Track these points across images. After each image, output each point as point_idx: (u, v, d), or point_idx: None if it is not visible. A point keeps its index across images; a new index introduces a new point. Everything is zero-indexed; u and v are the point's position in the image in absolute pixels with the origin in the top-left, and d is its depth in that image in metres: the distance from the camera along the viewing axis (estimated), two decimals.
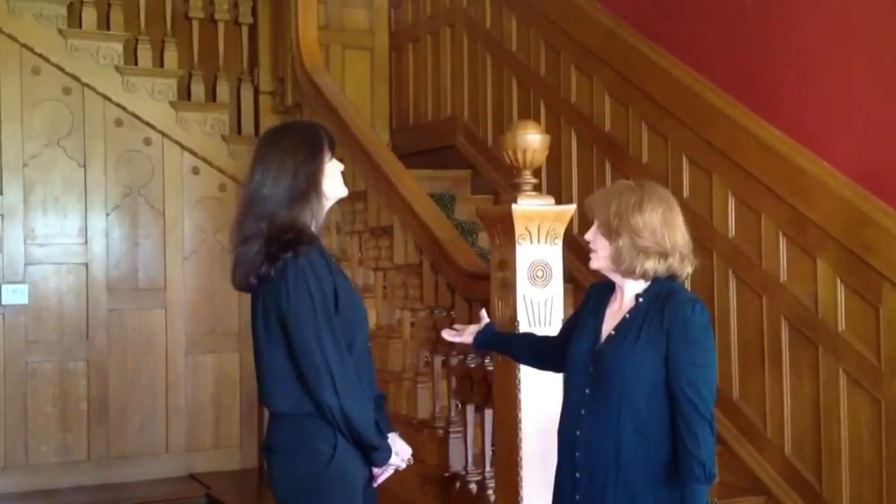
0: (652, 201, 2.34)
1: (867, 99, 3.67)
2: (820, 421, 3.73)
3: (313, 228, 2.42)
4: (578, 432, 2.36)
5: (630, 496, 2.28)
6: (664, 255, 2.33)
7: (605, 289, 2.47)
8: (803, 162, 3.81)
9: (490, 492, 3.47)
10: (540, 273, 3.22)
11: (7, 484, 4.82)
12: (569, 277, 4.17)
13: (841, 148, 3.74)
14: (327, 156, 2.46)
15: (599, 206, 2.39)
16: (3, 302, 4.87)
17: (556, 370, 2.74)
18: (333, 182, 2.49)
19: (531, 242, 3.20)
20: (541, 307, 3.20)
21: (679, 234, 2.35)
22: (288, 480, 2.41)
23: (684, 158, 4.34)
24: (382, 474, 2.53)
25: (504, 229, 3.24)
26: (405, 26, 6.41)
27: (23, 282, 4.92)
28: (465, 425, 3.68)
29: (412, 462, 2.63)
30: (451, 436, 3.75)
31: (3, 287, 4.87)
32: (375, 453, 2.44)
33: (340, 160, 2.57)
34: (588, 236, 2.42)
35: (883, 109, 3.62)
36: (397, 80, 6.43)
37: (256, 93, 5.60)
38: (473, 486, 3.59)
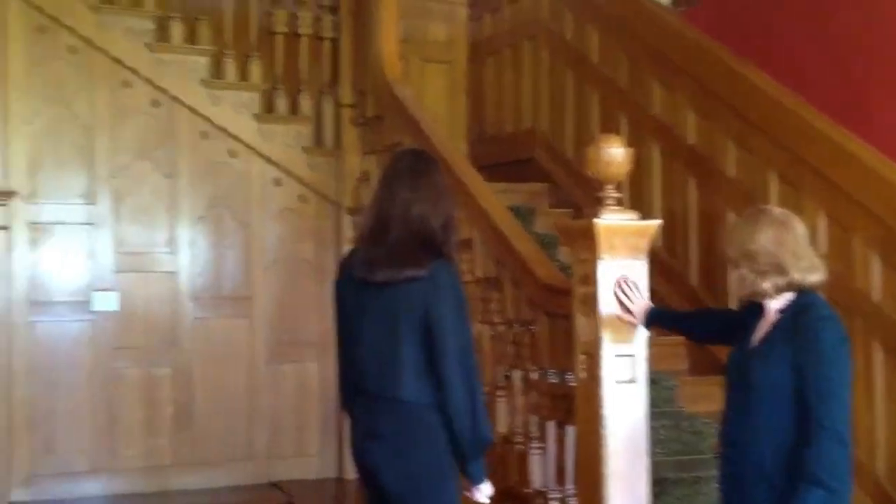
0: (762, 225, 2.58)
1: None
2: None
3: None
4: (729, 432, 2.62)
5: (766, 490, 2.49)
6: (782, 272, 2.54)
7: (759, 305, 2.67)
8: None
9: None
10: (624, 288, 3.18)
11: (94, 487, 4.94)
12: (650, 291, 4.11)
13: None
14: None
15: (727, 240, 2.71)
16: (94, 308, 5.00)
17: (729, 342, 2.88)
18: None
19: (614, 257, 3.17)
20: (624, 323, 3.16)
21: (793, 251, 2.55)
22: (403, 466, 2.65)
23: (772, 173, 4.26)
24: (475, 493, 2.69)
25: (587, 244, 3.21)
26: (484, 39, 6.42)
27: (112, 289, 5.04)
28: (545, 441, 3.65)
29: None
30: (532, 452, 3.72)
31: (94, 294, 5.01)
32: (478, 463, 2.65)
33: None
34: (729, 266, 2.72)
35: None
36: (476, 93, 6.44)
37: (337, 106, 5.65)
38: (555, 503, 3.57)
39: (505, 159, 6.03)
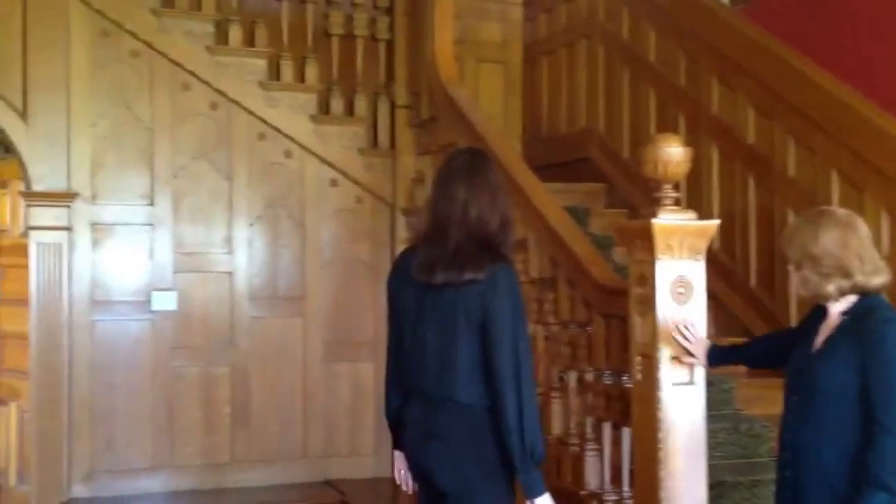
0: (827, 227, 2.57)
1: None
2: None
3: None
4: (788, 435, 2.62)
5: (827, 495, 2.49)
6: (846, 275, 2.54)
7: (823, 307, 2.67)
8: None
9: None
10: (681, 289, 3.13)
11: (154, 484, 5.02)
12: (708, 293, 4.06)
13: None
14: None
15: (786, 242, 2.68)
16: (154, 308, 5.08)
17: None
18: None
19: (672, 258, 3.13)
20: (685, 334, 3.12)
21: (858, 253, 2.55)
22: (459, 468, 2.64)
23: (834, 173, 4.18)
24: None
25: (644, 244, 3.17)
26: (539, 39, 6.40)
27: (171, 289, 5.12)
28: (601, 443, 3.63)
29: None
30: (587, 453, 3.69)
31: (154, 293, 5.09)
32: (533, 475, 2.58)
33: None
34: (789, 267, 2.69)
35: None
36: (531, 93, 6.42)
37: (392, 107, 5.67)
38: None
39: (560, 159, 6.00)
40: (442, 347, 2.68)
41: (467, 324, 2.64)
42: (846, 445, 2.47)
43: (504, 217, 2.75)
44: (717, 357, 3.06)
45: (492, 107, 6.17)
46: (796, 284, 2.66)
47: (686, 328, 3.05)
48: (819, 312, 2.68)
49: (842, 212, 2.64)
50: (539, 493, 2.62)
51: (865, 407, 2.45)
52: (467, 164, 2.81)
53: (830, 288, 2.54)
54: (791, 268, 2.66)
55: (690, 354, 3.05)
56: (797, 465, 2.57)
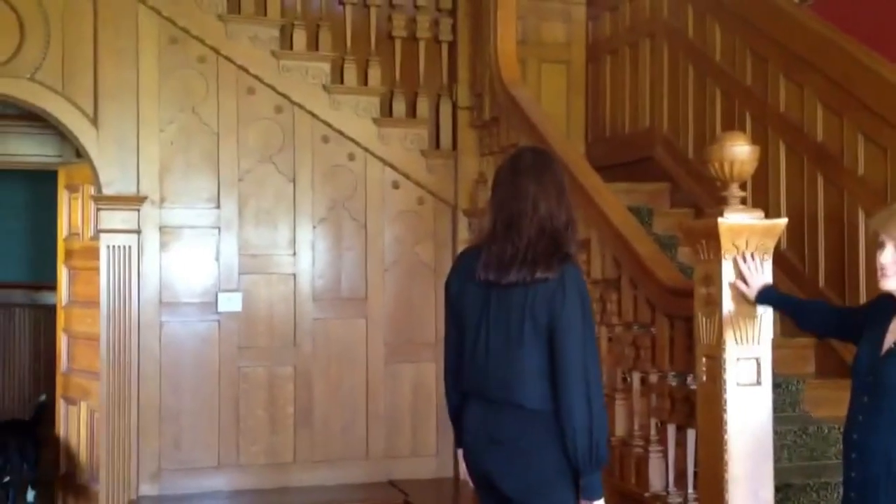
0: None
1: None
2: None
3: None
4: (855, 436, 2.55)
5: None
6: None
7: (891, 303, 2.58)
8: None
9: None
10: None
11: (219, 482, 5.09)
12: None
13: None
14: None
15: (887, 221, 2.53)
16: (220, 309, 5.16)
17: (843, 338, 2.87)
18: None
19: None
20: (748, 324, 3.07)
21: None
22: (523, 473, 2.61)
23: None
24: None
25: (710, 244, 3.14)
26: (603, 38, 6.35)
27: (237, 290, 5.19)
28: (665, 445, 3.58)
29: None
30: (651, 455, 3.66)
31: (220, 295, 5.16)
32: (594, 477, 2.55)
33: None
34: (886, 259, 2.52)
35: None
36: (594, 93, 6.38)
37: (455, 108, 5.68)
38: None
39: (624, 159, 5.94)
40: (507, 350, 2.63)
41: (534, 325, 2.59)
42: None
43: (570, 215, 2.72)
44: (768, 296, 3.01)
45: (555, 107, 6.16)
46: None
47: (754, 260, 3.03)
48: (887, 307, 2.58)
49: None
50: (598, 496, 2.60)
51: None
52: (533, 161, 2.78)
53: None
54: (890, 258, 2.51)
55: (746, 283, 3.02)
56: (865, 466, 2.51)
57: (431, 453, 5.43)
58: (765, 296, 3.01)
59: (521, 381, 2.61)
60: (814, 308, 3.13)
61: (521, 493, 2.64)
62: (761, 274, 3.04)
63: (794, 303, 3.15)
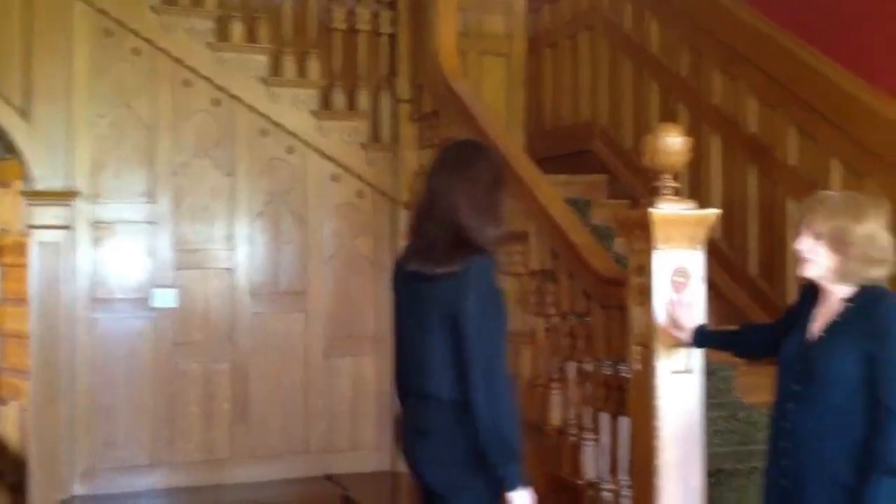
0: (876, 209, 2.51)
1: None
2: None
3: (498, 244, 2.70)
4: (786, 424, 2.55)
5: (829, 484, 2.45)
6: (873, 262, 2.49)
7: (816, 290, 2.60)
8: None
9: (625, 501, 3.37)
10: (680, 279, 3.12)
11: (152, 480, 5.01)
12: (708, 282, 4.02)
13: None
14: (503, 184, 2.75)
15: (822, 218, 2.53)
16: (154, 305, 5.07)
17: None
18: None
19: (670, 247, 3.11)
20: (680, 314, 3.09)
21: (888, 242, 2.51)
22: (449, 465, 2.57)
23: (835, 161, 4.14)
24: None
25: (642, 234, 3.16)
26: (543, 30, 6.37)
27: (172, 286, 5.11)
28: (599, 433, 3.60)
29: None
30: (585, 443, 3.68)
31: (154, 291, 5.08)
32: (509, 469, 2.48)
33: None
34: (802, 246, 2.55)
35: None
36: (534, 85, 6.39)
37: (395, 101, 5.65)
38: (607, 495, 3.51)
39: (563, 151, 5.98)
40: (421, 341, 2.62)
41: (441, 317, 2.57)
42: (849, 433, 2.43)
43: (487, 209, 2.64)
44: (704, 337, 3.02)
45: (495, 100, 6.14)
46: (824, 267, 2.51)
47: (678, 308, 3.05)
48: (811, 297, 2.62)
49: (874, 198, 2.60)
50: (515, 487, 2.51)
51: (869, 393, 2.41)
52: (453, 155, 2.75)
53: (874, 273, 2.48)
54: (809, 247, 2.53)
55: (679, 329, 3.03)
56: (798, 453, 2.52)
57: (371, 447, 5.40)
58: (699, 338, 3.03)
59: (430, 370, 2.59)
60: (748, 332, 3.16)
61: (443, 487, 2.60)
62: (691, 307, 3.05)
63: (728, 334, 3.14)
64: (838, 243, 2.49)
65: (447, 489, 2.59)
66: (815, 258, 2.54)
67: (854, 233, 2.47)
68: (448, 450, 2.55)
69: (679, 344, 3.07)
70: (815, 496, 2.48)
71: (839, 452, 2.44)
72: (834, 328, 2.50)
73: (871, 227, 2.47)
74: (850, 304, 2.50)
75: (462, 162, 2.69)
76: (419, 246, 2.67)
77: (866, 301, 2.48)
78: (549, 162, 5.43)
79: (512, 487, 2.50)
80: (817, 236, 2.52)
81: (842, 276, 2.51)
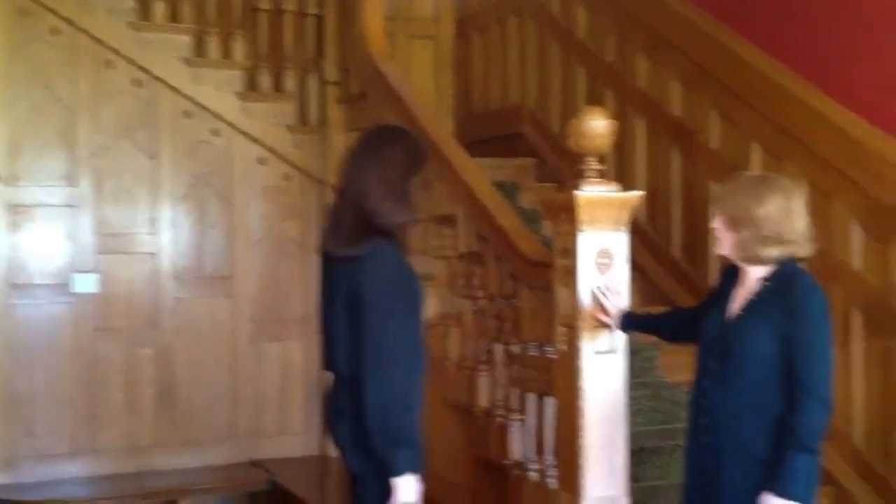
0: (773, 192, 2.53)
1: None
2: (891, 411, 3.61)
3: (405, 228, 2.69)
4: (705, 402, 2.61)
5: (746, 460, 2.50)
6: (784, 242, 2.52)
7: (736, 271, 2.64)
8: (879, 146, 3.68)
9: (551, 480, 3.41)
10: (604, 260, 3.16)
11: (74, 469, 4.91)
12: (633, 264, 4.08)
13: None
14: (419, 167, 2.73)
15: (724, 198, 2.62)
16: (74, 290, 4.96)
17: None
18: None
19: (595, 229, 3.14)
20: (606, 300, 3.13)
21: (797, 221, 2.54)
22: (358, 442, 2.54)
23: (755, 144, 4.22)
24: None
25: (567, 216, 3.19)
26: (471, 14, 6.37)
27: (93, 271, 5.00)
28: (526, 414, 3.63)
29: None
30: (512, 424, 3.71)
31: (75, 276, 4.96)
32: (393, 455, 2.45)
33: None
34: (714, 225, 2.63)
35: None
36: (463, 69, 6.40)
37: (322, 83, 5.60)
38: (534, 475, 3.55)
39: (493, 135, 5.99)
40: (330, 322, 2.63)
41: (343, 299, 2.57)
42: (766, 410, 2.48)
43: (398, 194, 2.63)
44: (630, 323, 3.08)
45: (423, 83, 6.14)
46: (728, 246, 2.58)
47: (605, 293, 3.08)
48: (731, 277, 2.66)
49: (786, 180, 2.62)
50: (400, 473, 2.46)
51: (786, 372, 2.46)
52: (370, 139, 2.75)
53: (768, 253, 2.52)
54: (719, 226, 2.60)
55: (606, 315, 3.08)
56: (715, 430, 2.56)
57: (298, 431, 5.36)
58: (626, 322, 3.08)
59: (340, 351, 2.59)
60: (672, 316, 3.22)
61: (358, 468, 2.60)
62: (618, 293, 3.10)
63: (653, 319, 3.20)
64: (736, 222, 2.55)
65: (362, 470, 2.58)
66: (721, 237, 2.61)
67: (752, 212, 2.51)
68: (361, 431, 2.51)
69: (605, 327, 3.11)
70: (733, 472, 2.52)
71: (756, 429, 2.48)
72: (750, 307, 2.55)
73: (770, 208, 2.50)
74: (767, 284, 2.54)
75: (378, 146, 2.68)
76: (331, 227, 2.68)
77: (782, 280, 2.52)
78: (479, 145, 5.45)
79: (396, 473, 2.46)
80: (722, 215, 2.58)
81: (742, 254, 2.55)
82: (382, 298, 2.49)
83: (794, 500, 2.40)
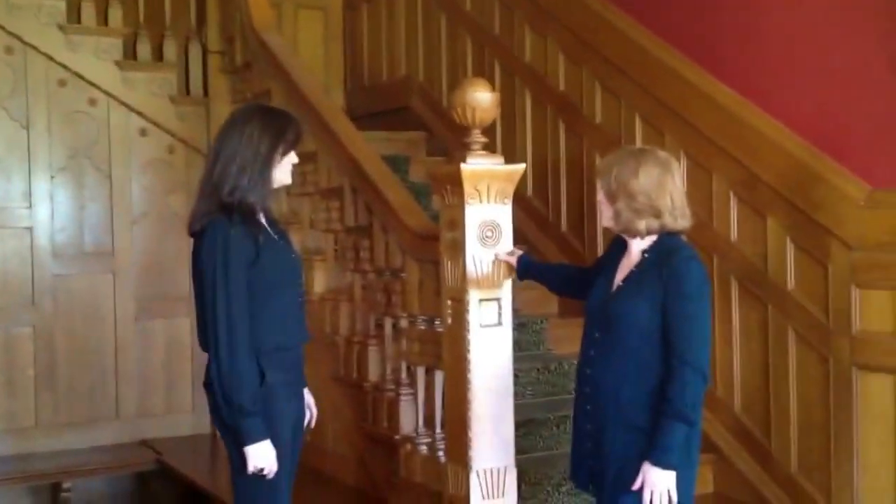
0: (647, 165, 2.56)
1: (818, 58, 3.65)
2: (769, 379, 3.74)
3: (257, 205, 2.65)
4: (589, 370, 2.65)
5: (627, 427, 2.54)
6: (657, 214, 2.56)
7: (624, 243, 2.68)
8: (754, 121, 3.80)
9: (440, 453, 3.45)
10: (489, 233, 3.19)
11: None
12: (521, 237, 4.13)
13: (792, 107, 3.72)
14: (282, 147, 2.68)
15: (603, 171, 2.65)
16: None
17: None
18: (282, 172, 2.71)
19: (480, 202, 3.17)
20: (490, 267, 3.16)
21: (671, 195, 2.57)
22: (217, 413, 2.59)
23: (637, 117, 4.31)
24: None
25: (453, 189, 3.20)
26: None
27: None
28: (415, 388, 3.65)
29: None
30: (402, 398, 3.73)
31: None
32: (241, 423, 2.51)
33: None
34: (598, 197, 2.68)
35: (833, 68, 3.60)
36: (352, 41, 6.33)
37: (205, 52, 5.46)
38: (424, 448, 3.58)
39: (383, 108, 5.95)
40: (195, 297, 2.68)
41: (193, 274, 2.64)
42: (645, 380, 2.52)
43: (251, 172, 2.62)
44: (527, 267, 3.15)
45: (313, 55, 6.06)
46: (608, 217, 2.63)
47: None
48: (619, 248, 2.72)
49: (662, 153, 2.64)
50: (247, 443, 2.52)
51: (665, 342, 2.51)
52: (232, 118, 2.75)
53: (641, 225, 2.55)
54: (601, 199, 2.65)
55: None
56: (598, 399, 2.62)
57: (187, 409, 5.27)
58: (523, 266, 3.14)
59: (198, 325, 2.64)
60: (565, 269, 3.33)
61: (224, 439, 2.66)
62: (513, 254, 3.18)
63: (547, 266, 3.28)
64: (612, 195, 2.59)
65: (225, 441, 2.63)
66: (603, 209, 2.67)
67: (627, 185, 2.54)
68: (216, 404, 2.57)
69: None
70: (614, 439, 2.57)
71: (637, 398, 2.53)
72: (631, 278, 2.59)
73: (644, 181, 2.54)
74: (647, 256, 2.59)
75: (241, 125, 2.67)
76: (195, 206, 2.69)
77: (661, 252, 2.56)
78: (370, 118, 5.42)
79: (245, 443, 2.52)
80: (602, 188, 2.63)
81: (619, 226, 2.61)
82: (207, 274, 2.54)
83: (671, 468, 2.46)
